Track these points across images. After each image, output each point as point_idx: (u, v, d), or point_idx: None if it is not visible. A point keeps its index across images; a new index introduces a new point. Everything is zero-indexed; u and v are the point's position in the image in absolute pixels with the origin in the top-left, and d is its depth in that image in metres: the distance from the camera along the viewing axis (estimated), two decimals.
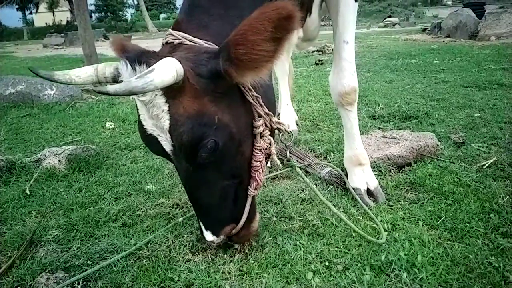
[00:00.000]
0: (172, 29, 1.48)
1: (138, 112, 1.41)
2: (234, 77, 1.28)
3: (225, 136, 1.36)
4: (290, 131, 1.70)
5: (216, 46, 1.39)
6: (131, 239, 1.91)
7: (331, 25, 2.22)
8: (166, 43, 1.46)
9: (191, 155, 1.34)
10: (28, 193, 2.47)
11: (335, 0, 2.06)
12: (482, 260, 1.60)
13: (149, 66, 1.24)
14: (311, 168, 2.58)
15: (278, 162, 1.73)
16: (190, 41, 1.41)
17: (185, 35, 1.42)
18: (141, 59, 1.30)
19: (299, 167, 2.58)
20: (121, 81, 1.37)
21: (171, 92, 1.27)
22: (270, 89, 1.64)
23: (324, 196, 2.21)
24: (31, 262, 1.75)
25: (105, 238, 1.94)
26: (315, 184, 2.40)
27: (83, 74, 1.40)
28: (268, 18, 1.16)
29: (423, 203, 2.09)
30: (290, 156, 1.82)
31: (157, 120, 1.32)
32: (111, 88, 1.10)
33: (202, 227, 1.59)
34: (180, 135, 1.29)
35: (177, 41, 1.42)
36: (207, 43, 1.41)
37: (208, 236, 1.57)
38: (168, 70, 1.19)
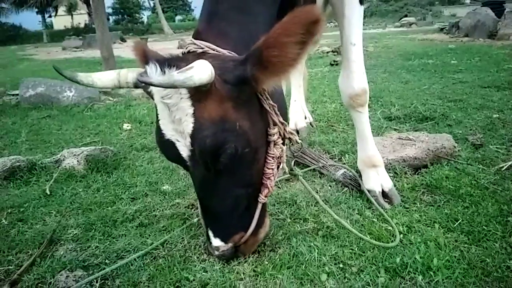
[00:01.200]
0: (194, 39, 1.51)
1: (157, 117, 1.44)
2: (260, 82, 1.32)
3: (243, 142, 1.39)
4: (301, 142, 1.73)
5: (237, 55, 1.43)
6: (147, 238, 1.94)
7: None
8: (188, 52, 1.48)
9: (211, 160, 1.37)
10: (48, 193, 2.53)
11: (340, 3, 2.06)
12: (499, 263, 1.58)
13: (179, 69, 1.28)
14: (326, 170, 2.58)
15: (287, 169, 1.77)
16: (213, 50, 1.44)
17: (208, 44, 1.45)
18: (171, 62, 1.33)
19: (314, 169, 2.62)
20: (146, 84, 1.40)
21: (197, 95, 1.31)
22: (283, 100, 1.69)
23: (339, 198, 2.22)
24: (51, 260, 1.79)
25: (122, 237, 1.97)
26: (330, 186, 2.41)
27: (105, 78, 1.45)
28: (299, 22, 1.20)
29: (439, 206, 2.07)
30: (294, 166, 1.87)
31: (179, 124, 1.35)
32: (155, 78, 1.22)
33: (211, 235, 1.60)
34: (204, 139, 1.33)
35: (200, 50, 1.45)
36: (229, 52, 1.45)
37: (216, 241, 1.59)
38: (206, 69, 1.25)
